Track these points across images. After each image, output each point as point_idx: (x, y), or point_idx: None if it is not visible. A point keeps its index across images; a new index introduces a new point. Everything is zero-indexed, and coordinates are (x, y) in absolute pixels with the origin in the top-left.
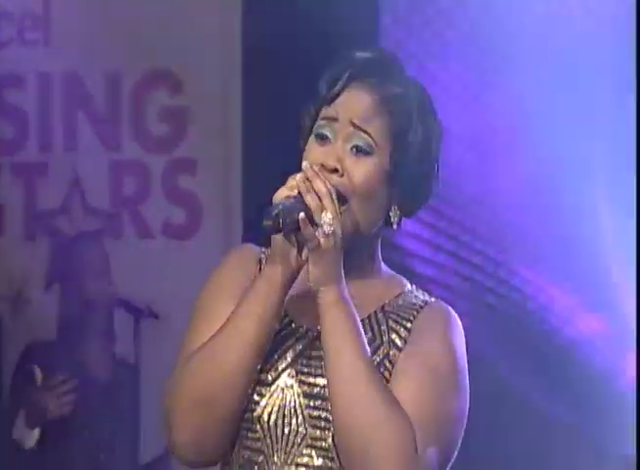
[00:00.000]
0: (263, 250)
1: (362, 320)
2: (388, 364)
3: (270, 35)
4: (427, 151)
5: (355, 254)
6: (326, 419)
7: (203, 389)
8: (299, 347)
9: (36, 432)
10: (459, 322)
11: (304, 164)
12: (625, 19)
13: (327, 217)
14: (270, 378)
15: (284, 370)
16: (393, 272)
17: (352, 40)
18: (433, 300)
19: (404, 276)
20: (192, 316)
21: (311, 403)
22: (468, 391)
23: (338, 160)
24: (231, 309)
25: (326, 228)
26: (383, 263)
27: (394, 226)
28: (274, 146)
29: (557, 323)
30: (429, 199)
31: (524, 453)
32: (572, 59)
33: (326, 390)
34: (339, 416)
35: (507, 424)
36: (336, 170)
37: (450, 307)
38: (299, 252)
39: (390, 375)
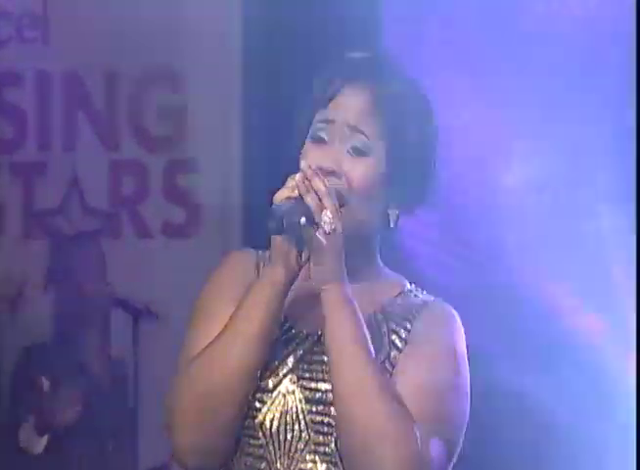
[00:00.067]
0: (262, 255)
1: None
2: (388, 366)
3: (270, 35)
4: (424, 150)
5: (355, 254)
6: (328, 424)
7: (203, 394)
8: (300, 352)
9: (45, 439)
10: (459, 322)
11: (303, 163)
12: (625, 19)
13: (327, 216)
14: (271, 384)
15: (285, 376)
16: (393, 272)
17: (353, 40)
18: (433, 299)
19: (404, 276)
20: (192, 317)
21: (313, 409)
22: (469, 391)
23: (335, 161)
24: (231, 311)
25: (327, 227)
26: (382, 264)
27: (392, 225)
28: (274, 146)
29: (557, 323)
30: (427, 198)
31: (523, 453)
32: (572, 59)
33: (328, 395)
34: (342, 416)
35: (506, 424)
36: (333, 172)
37: (451, 307)
38: (299, 253)
39: (391, 376)
